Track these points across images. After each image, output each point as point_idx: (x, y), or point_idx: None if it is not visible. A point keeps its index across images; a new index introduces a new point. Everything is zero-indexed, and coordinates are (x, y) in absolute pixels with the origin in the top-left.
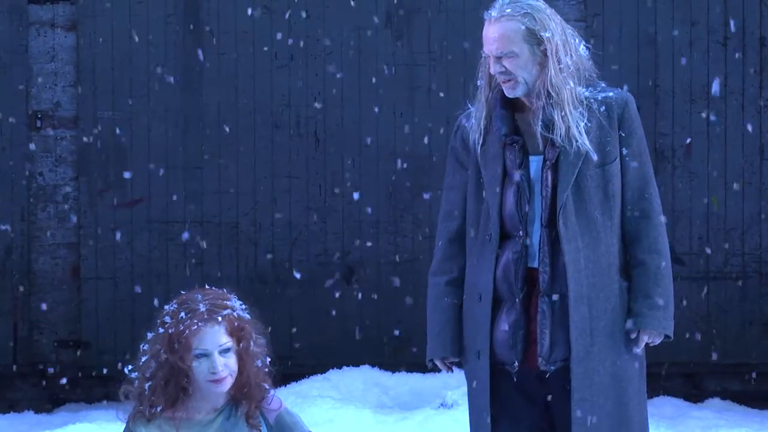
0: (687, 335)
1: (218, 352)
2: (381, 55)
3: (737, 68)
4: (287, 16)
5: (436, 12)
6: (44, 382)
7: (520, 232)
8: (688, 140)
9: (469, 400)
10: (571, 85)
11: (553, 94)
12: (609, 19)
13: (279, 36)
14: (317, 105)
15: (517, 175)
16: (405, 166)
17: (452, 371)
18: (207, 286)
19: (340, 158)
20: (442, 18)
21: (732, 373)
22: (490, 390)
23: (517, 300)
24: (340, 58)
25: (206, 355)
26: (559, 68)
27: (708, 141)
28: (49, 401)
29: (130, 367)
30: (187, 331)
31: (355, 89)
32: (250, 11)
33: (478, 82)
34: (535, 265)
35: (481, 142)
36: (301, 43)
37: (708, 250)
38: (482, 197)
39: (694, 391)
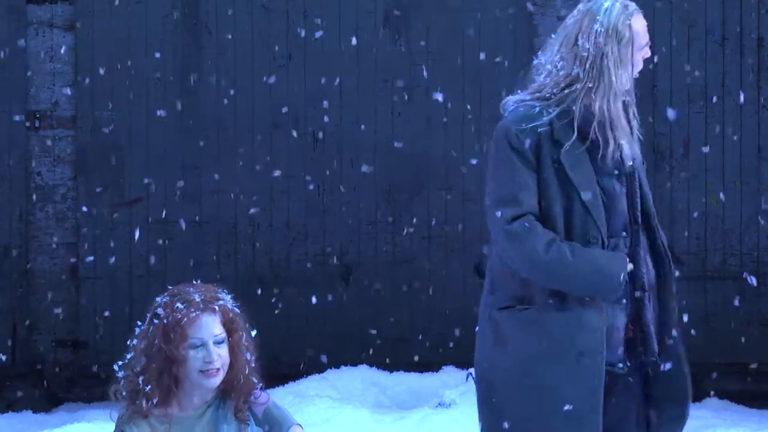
0: (685, 335)
1: (213, 343)
2: (380, 54)
3: (735, 69)
4: (286, 16)
5: (435, 12)
6: (43, 382)
7: (624, 233)
8: (686, 139)
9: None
10: None
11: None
12: None
13: (278, 36)
14: (315, 105)
15: (612, 177)
16: (404, 166)
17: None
18: (195, 281)
19: (338, 158)
20: (441, 18)
21: (730, 373)
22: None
23: (625, 300)
24: (339, 58)
25: (201, 344)
26: None
27: (706, 141)
28: (48, 401)
29: (119, 364)
30: (185, 320)
31: (354, 89)
32: (249, 11)
33: (551, 88)
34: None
35: (567, 143)
36: (300, 43)
37: (706, 250)
38: (570, 199)
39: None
